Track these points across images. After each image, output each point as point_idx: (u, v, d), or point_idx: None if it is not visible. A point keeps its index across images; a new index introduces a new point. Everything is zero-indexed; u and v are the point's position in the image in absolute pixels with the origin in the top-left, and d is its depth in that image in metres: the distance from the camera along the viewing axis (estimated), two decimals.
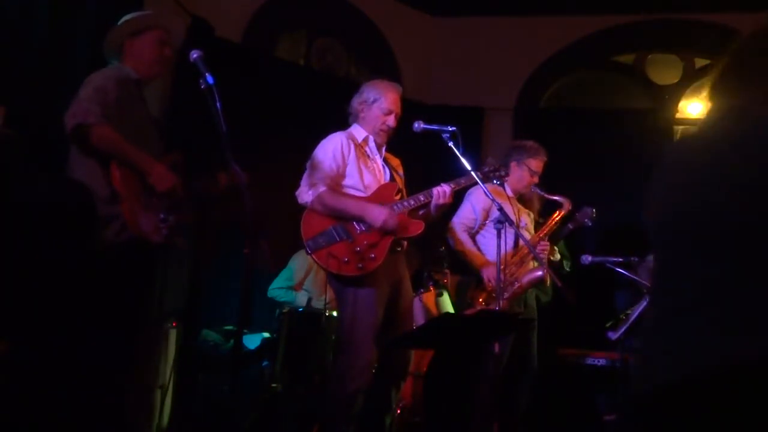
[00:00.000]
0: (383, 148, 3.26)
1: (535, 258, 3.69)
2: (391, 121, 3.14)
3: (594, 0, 5.84)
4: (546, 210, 4.14)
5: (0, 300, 2.36)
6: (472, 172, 3.00)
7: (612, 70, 6.22)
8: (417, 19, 6.15)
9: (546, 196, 3.96)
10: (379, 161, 3.21)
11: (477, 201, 3.81)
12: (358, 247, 2.92)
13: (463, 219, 3.86)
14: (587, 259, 3.77)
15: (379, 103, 3.14)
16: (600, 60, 6.18)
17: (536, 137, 5.79)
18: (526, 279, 3.77)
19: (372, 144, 3.19)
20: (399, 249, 3.07)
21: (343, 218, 2.98)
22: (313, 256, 2.95)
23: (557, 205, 3.98)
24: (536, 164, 3.95)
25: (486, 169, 3.27)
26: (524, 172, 3.94)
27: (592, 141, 5.74)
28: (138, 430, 3.06)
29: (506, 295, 3.63)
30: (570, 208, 3.95)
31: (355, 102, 3.21)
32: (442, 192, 3.04)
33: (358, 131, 3.20)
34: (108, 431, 2.56)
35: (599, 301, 4.53)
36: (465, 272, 4.10)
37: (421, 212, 3.13)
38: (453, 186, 3.10)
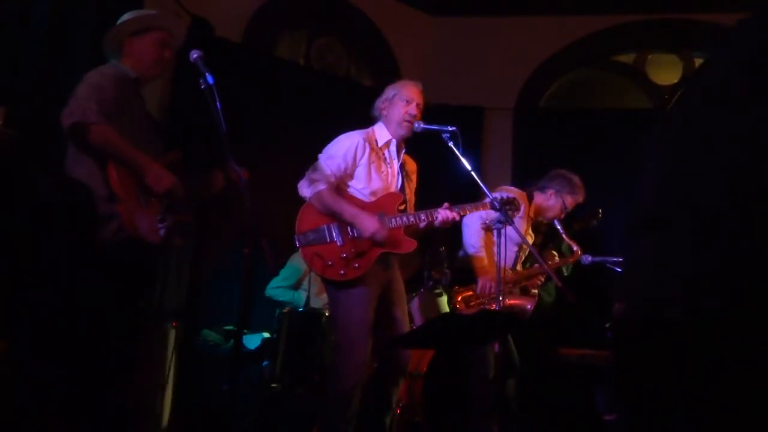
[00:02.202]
0: (403, 151, 3.24)
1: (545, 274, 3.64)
2: (412, 109, 3.13)
3: (594, 0, 5.85)
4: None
5: (0, 299, 2.36)
6: (487, 199, 2.99)
7: (612, 70, 6.23)
8: (417, 19, 6.15)
9: (563, 236, 3.91)
10: (396, 166, 3.19)
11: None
12: (345, 253, 2.94)
13: (483, 216, 3.87)
14: (587, 259, 3.78)
15: (398, 96, 3.17)
16: (600, 60, 6.18)
17: (536, 137, 5.85)
18: (512, 302, 3.73)
19: (393, 148, 3.18)
20: (388, 264, 3.06)
21: (337, 219, 2.99)
22: (301, 251, 2.99)
23: (569, 250, 3.94)
24: (572, 202, 3.95)
25: (500, 198, 3.17)
26: (558, 204, 3.93)
27: (592, 141, 5.74)
28: (138, 430, 3.06)
29: (486, 305, 3.62)
30: (579, 257, 3.88)
31: (378, 102, 3.24)
32: (444, 219, 3.04)
33: (381, 132, 3.19)
34: (108, 431, 2.56)
35: (599, 301, 4.52)
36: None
37: (422, 225, 3.11)
38: (459, 212, 3.10)
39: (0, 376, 2.36)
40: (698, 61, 6.04)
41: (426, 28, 6.18)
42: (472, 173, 2.95)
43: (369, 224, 2.94)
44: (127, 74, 2.77)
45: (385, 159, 3.15)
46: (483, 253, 3.76)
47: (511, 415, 3.79)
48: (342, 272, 2.91)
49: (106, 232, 2.52)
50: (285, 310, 4.07)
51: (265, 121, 4.95)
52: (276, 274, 4.51)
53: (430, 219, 3.06)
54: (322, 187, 2.98)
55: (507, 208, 3.16)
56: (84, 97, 2.53)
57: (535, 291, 3.83)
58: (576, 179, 4.00)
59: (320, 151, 3.13)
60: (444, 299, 4.44)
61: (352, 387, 2.84)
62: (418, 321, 4.27)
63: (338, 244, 2.96)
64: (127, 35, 2.81)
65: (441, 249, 4.28)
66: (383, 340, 2.97)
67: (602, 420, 4.04)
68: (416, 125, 3.10)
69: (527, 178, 4.96)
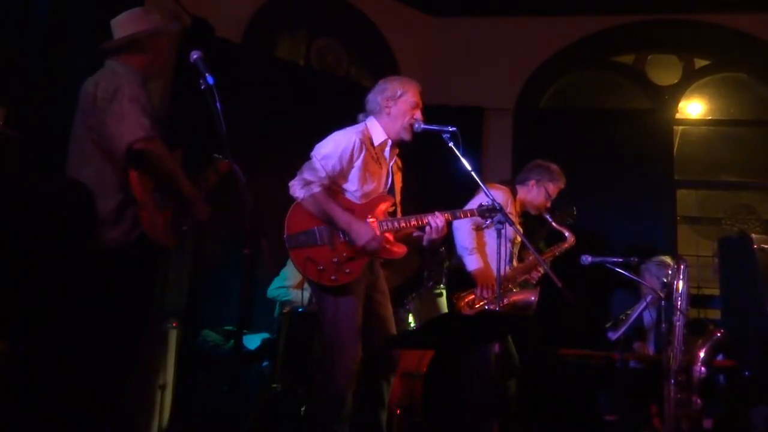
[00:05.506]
0: (396, 152, 3.17)
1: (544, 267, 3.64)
2: (419, 114, 3.08)
3: (594, 0, 5.85)
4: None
5: (0, 300, 2.36)
6: (474, 209, 3.06)
7: (612, 70, 6.22)
8: (417, 19, 6.14)
9: (553, 224, 3.91)
10: (388, 166, 3.13)
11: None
12: (337, 257, 2.89)
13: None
14: (587, 259, 3.76)
15: (406, 98, 3.07)
16: (600, 60, 6.18)
17: (536, 137, 5.86)
18: (516, 298, 3.73)
19: (388, 148, 3.11)
20: (372, 264, 3.03)
21: (328, 222, 2.94)
22: (291, 254, 2.93)
23: (561, 237, 3.94)
24: (554, 189, 3.97)
25: (484, 206, 3.14)
26: (541, 193, 3.95)
27: (591, 141, 5.75)
28: (138, 429, 3.07)
29: (490, 306, 3.61)
30: (573, 243, 3.89)
31: (379, 97, 3.10)
32: (436, 228, 2.99)
33: (376, 130, 3.09)
34: (108, 431, 2.56)
35: (599, 301, 4.53)
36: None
37: (415, 234, 3.09)
38: (448, 217, 3.06)
39: (0, 376, 2.36)
40: (698, 62, 6.05)
41: (426, 28, 6.18)
42: (473, 174, 2.95)
43: (363, 233, 2.90)
44: (136, 74, 2.78)
45: (378, 160, 3.09)
46: (477, 255, 3.70)
47: (511, 416, 3.79)
48: (333, 277, 2.87)
49: (116, 232, 2.53)
50: (285, 311, 4.07)
51: (265, 122, 4.95)
52: (276, 274, 4.51)
53: (419, 223, 3.03)
54: (316, 189, 2.92)
55: (488, 215, 3.14)
56: (131, 113, 2.56)
57: (534, 282, 3.83)
58: (554, 166, 4.01)
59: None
60: (444, 299, 4.44)
61: (344, 388, 2.82)
62: (419, 321, 4.26)
63: (330, 247, 2.92)
64: (142, 37, 2.82)
65: (441, 249, 4.28)
66: (372, 339, 2.95)
67: (602, 420, 4.05)
68: (416, 126, 3.06)
69: None
